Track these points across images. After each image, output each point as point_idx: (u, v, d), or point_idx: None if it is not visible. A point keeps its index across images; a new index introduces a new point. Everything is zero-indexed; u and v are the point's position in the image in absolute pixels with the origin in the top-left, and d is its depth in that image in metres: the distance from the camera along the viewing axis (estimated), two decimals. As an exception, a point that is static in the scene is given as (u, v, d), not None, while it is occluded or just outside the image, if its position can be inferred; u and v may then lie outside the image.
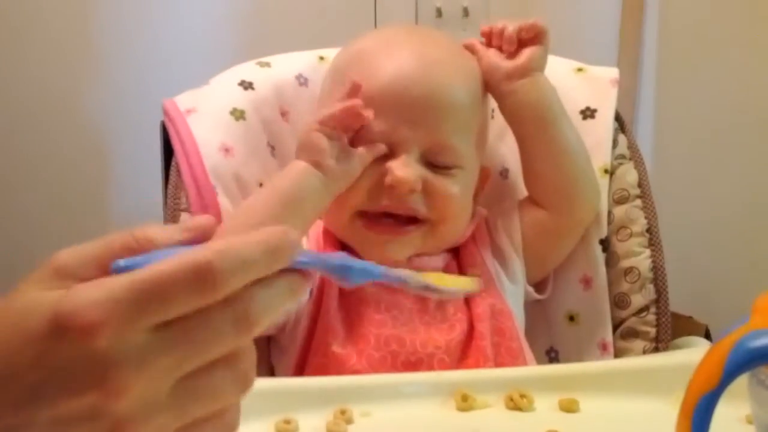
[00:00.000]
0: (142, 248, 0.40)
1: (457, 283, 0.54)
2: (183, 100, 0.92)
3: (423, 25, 1.48)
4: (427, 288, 0.49)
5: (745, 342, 0.48)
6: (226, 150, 0.89)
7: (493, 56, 0.88)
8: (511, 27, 0.87)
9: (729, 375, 0.47)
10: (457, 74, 0.86)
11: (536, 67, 0.87)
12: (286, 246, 0.40)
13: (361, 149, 0.81)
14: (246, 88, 0.94)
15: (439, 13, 1.49)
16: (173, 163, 0.89)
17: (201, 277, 0.37)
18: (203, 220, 0.42)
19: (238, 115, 0.91)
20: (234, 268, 0.38)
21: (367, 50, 0.87)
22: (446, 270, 0.87)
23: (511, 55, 0.87)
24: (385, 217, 0.83)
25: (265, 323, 0.40)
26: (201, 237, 0.41)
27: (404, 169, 0.80)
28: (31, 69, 1.49)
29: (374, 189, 0.82)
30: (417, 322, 0.82)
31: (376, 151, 0.81)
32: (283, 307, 0.41)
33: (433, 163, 0.83)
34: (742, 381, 0.51)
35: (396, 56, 0.84)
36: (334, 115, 0.80)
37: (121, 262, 0.39)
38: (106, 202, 1.55)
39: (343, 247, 0.85)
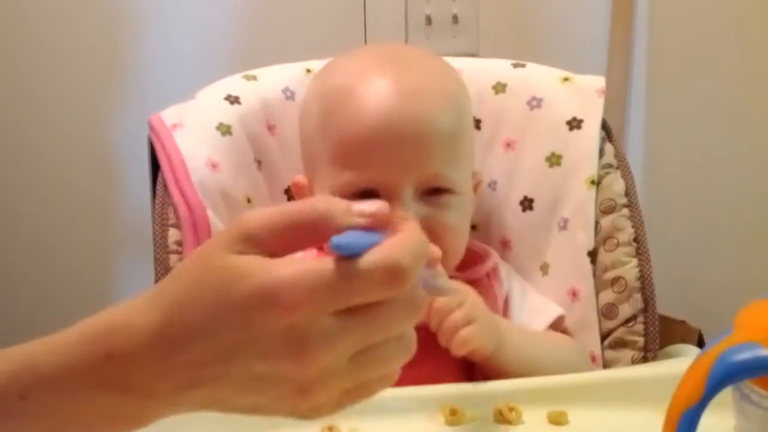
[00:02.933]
0: (325, 226, 0.45)
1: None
2: (169, 115, 0.92)
3: (411, 35, 1.48)
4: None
5: (727, 356, 0.48)
6: (213, 165, 0.89)
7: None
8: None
9: (712, 389, 0.47)
10: (439, 102, 0.84)
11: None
12: None
13: None
14: (232, 103, 0.93)
15: (428, 20, 1.49)
16: (159, 179, 0.89)
17: (394, 277, 0.43)
18: (380, 206, 0.46)
19: (225, 130, 0.91)
20: (417, 265, 0.44)
21: (343, 89, 0.84)
22: None
23: None
24: None
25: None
26: (378, 223, 0.46)
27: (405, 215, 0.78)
28: (25, 76, 1.49)
29: None
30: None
31: None
32: None
33: (428, 194, 0.83)
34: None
35: (374, 94, 0.82)
36: None
37: (336, 241, 0.43)
38: (98, 213, 1.54)
39: None
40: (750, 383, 0.50)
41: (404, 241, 0.44)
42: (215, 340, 0.44)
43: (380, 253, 0.43)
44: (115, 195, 1.53)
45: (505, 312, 0.90)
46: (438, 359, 0.80)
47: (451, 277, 0.88)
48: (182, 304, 0.45)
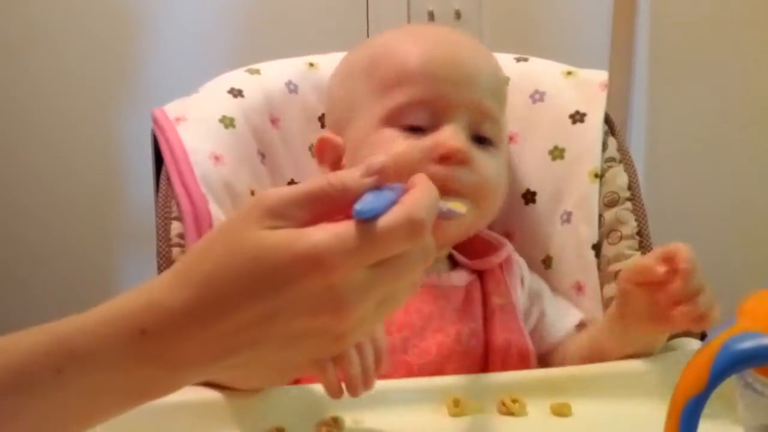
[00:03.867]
0: (338, 195, 0.49)
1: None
2: (172, 109, 0.92)
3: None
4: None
5: (730, 345, 0.48)
6: (216, 158, 0.89)
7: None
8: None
9: (715, 378, 0.47)
10: (487, 53, 0.88)
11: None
12: None
13: None
14: (235, 96, 0.93)
15: (431, 16, 1.49)
16: (163, 172, 0.89)
17: (415, 230, 0.48)
18: (380, 163, 0.50)
19: (228, 122, 0.91)
20: (431, 216, 0.49)
21: (392, 41, 0.86)
22: (470, 290, 0.86)
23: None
24: None
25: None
26: (385, 178, 0.50)
27: (456, 137, 0.79)
28: (26, 75, 1.50)
29: (421, 166, 0.77)
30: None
31: None
32: None
33: (476, 135, 0.83)
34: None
35: (427, 38, 0.85)
36: None
37: (359, 207, 0.48)
38: (103, 206, 1.55)
39: None
40: (753, 372, 0.50)
41: (419, 197, 0.50)
42: (252, 308, 0.47)
43: (400, 210, 0.48)
44: (119, 189, 1.54)
45: (532, 305, 0.90)
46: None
47: (463, 265, 0.88)
48: (214, 279, 0.47)
